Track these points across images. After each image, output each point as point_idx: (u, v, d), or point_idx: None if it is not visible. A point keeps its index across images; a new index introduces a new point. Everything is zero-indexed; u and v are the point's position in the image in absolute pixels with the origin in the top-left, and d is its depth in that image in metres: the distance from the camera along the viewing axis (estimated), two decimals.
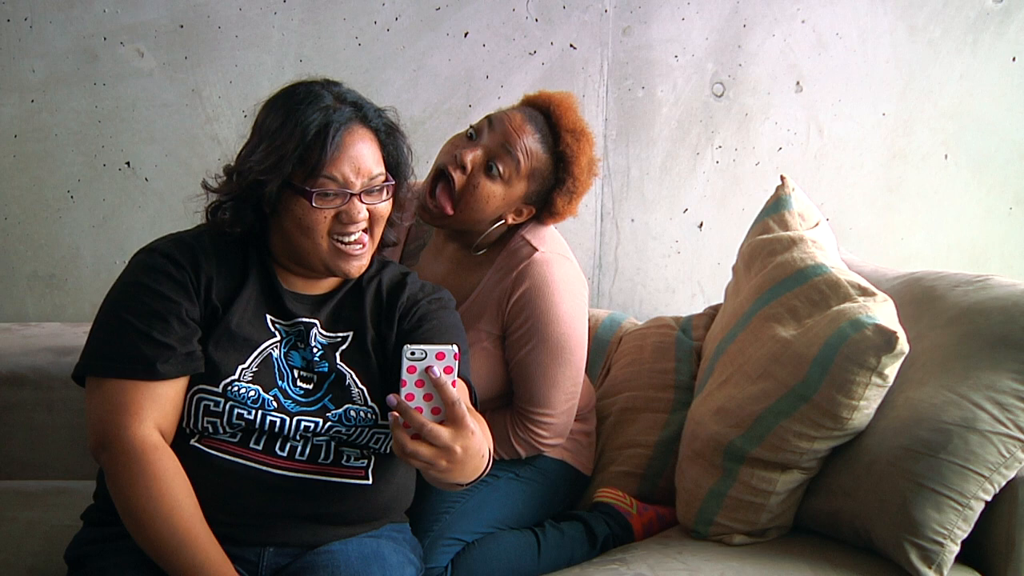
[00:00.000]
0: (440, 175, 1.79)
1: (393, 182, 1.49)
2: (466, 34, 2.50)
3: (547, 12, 2.52)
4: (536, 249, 1.81)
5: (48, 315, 2.50)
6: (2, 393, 2.11)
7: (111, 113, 2.44)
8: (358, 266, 1.49)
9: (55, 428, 2.11)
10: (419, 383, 1.25)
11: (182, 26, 2.42)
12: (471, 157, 1.76)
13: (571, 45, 2.55)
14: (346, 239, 1.46)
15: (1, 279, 2.48)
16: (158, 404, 1.39)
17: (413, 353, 1.24)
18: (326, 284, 1.55)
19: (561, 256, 1.84)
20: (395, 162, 1.51)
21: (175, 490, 1.36)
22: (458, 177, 1.76)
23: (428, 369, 1.24)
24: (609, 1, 2.53)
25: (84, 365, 1.42)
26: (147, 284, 1.43)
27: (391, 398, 1.27)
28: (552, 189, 1.82)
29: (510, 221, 1.83)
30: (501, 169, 1.76)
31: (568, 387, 1.84)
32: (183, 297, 1.43)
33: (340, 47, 2.47)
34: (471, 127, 1.81)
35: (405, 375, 1.25)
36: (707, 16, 2.56)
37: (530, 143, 1.77)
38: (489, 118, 1.80)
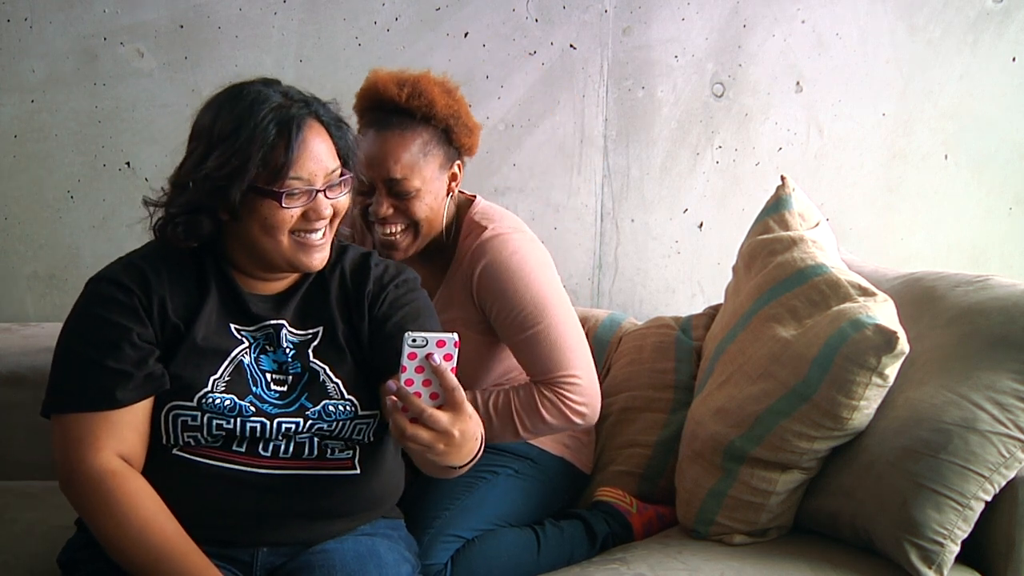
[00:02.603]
0: (380, 232, 1.79)
1: (350, 175, 1.49)
2: (466, 34, 2.50)
3: (547, 12, 2.52)
4: (485, 228, 1.83)
5: (48, 315, 2.50)
6: (2, 393, 2.11)
7: (111, 113, 2.43)
8: (320, 258, 1.48)
9: None
10: (419, 369, 1.26)
11: (182, 26, 2.42)
12: (383, 206, 1.76)
13: (571, 45, 2.55)
14: (312, 236, 1.46)
15: (1, 279, 2.48)
16: (116, 431, 1.39)
17: (414, 340, 1.25)
18: (287, 280, 1.54)
19: (511, 228, 1.85)
20: (346, 154, 1.50)
21: (141, 511, 1.36)
22: (393, 232, 1.77)
23: (428, 356, 1.25)
24: (609, 1, 2.53)
25: (46, 404, 1.42)
26: (95, 313, 1.43)
27: (390, 383, 1.26)
28: (448, 140, 1.81)
29: (454, 188, 1.85)
30: (407, 187, 1.75)
31: (569, 342, 1.80)
32: (133, 321, 1.42)
33: (340, 47, 2.47)
34: (353, 186, 1.79)
35: (406, 361, 1.26)
36: (707, 16, 2.56)
37: (399, 145, 1.75)
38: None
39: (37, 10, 2.37)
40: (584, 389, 1.81)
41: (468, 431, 1.29)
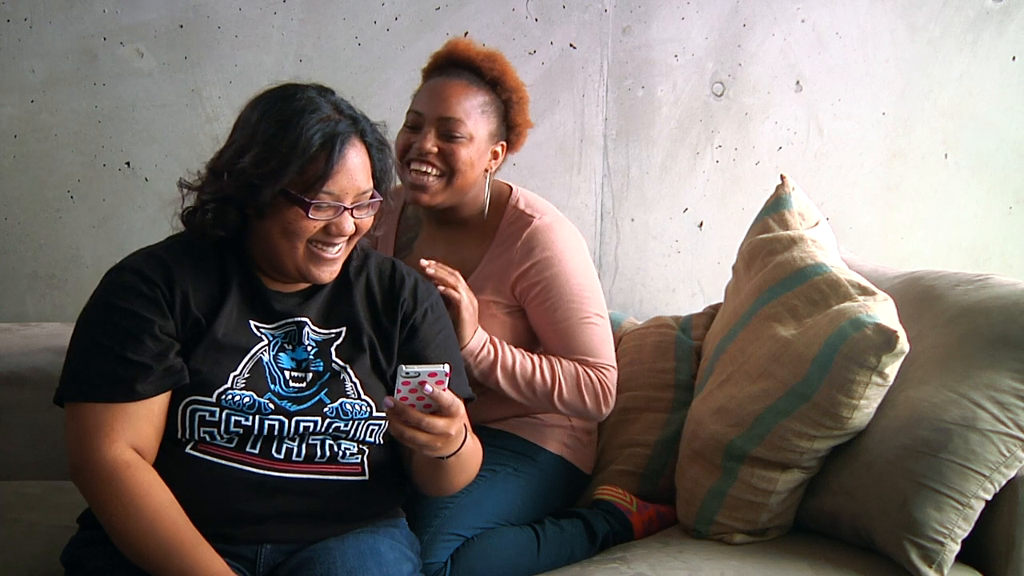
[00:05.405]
0: (415, 172, 1.81)
1: (380, 198, 1.52)
2: (466, 34, 2.50)
3: (547, 12, 2.52)
4: (533, 216, 1.87)
5: (48, 315, 2.50)
6: (2, 393, 2.10)
7: (111, 113, 2.43)
8: (331, 272, 1.51)
9: (56, 428, 2.06)
10: (412, 390, 1.35)
11: (182, 26, 2.42)
12: (429, 141, 1.79)
13: (571, 45, 2.55)
14: (328, 250, 1.48)
15: (1, 279, 2.48)
16: (132, 423, 1.39)
17: (407, 373, 1.34)
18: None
19: (559, 218, 1.91)
20: (381, 177, 1.53)
21: (153, 503, 1.37)
22: (428, 172, 1.80)
23: (422, 384, 1.34)
24: (609, 1, 2.53)
25: (61, 391, 1.43)
26: (117, 304, 1.43)
27: (388, 400, 1.35)
28: (505, 112, 1.87)
29: (492, 168, 1.88)
30: (458, 130, 1.79)
31: (608, 335, 1.89)
32: (155, 313, 1.42)
33: (340, 47, 2.47)
34: (407, 123, 1.85)
35: (400, 387, 1.35)
36: (707, 16, 2.56)
37: (462, 92, 1.81)
38: (414, 108, 1.85)
39: (37, 10, 2.37)
40: (615, 381, 1.88)
41: (459, 429, 1.40)
